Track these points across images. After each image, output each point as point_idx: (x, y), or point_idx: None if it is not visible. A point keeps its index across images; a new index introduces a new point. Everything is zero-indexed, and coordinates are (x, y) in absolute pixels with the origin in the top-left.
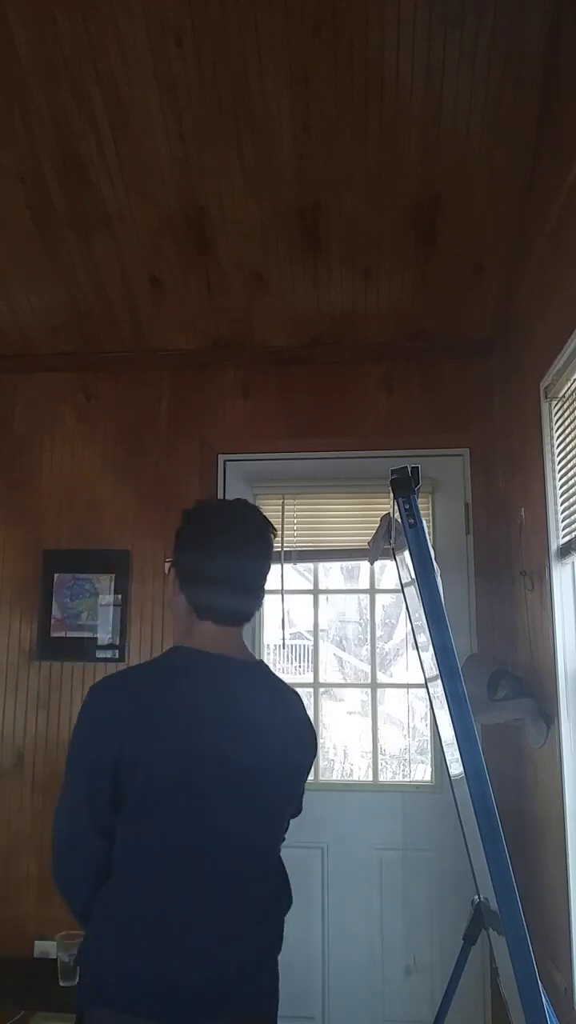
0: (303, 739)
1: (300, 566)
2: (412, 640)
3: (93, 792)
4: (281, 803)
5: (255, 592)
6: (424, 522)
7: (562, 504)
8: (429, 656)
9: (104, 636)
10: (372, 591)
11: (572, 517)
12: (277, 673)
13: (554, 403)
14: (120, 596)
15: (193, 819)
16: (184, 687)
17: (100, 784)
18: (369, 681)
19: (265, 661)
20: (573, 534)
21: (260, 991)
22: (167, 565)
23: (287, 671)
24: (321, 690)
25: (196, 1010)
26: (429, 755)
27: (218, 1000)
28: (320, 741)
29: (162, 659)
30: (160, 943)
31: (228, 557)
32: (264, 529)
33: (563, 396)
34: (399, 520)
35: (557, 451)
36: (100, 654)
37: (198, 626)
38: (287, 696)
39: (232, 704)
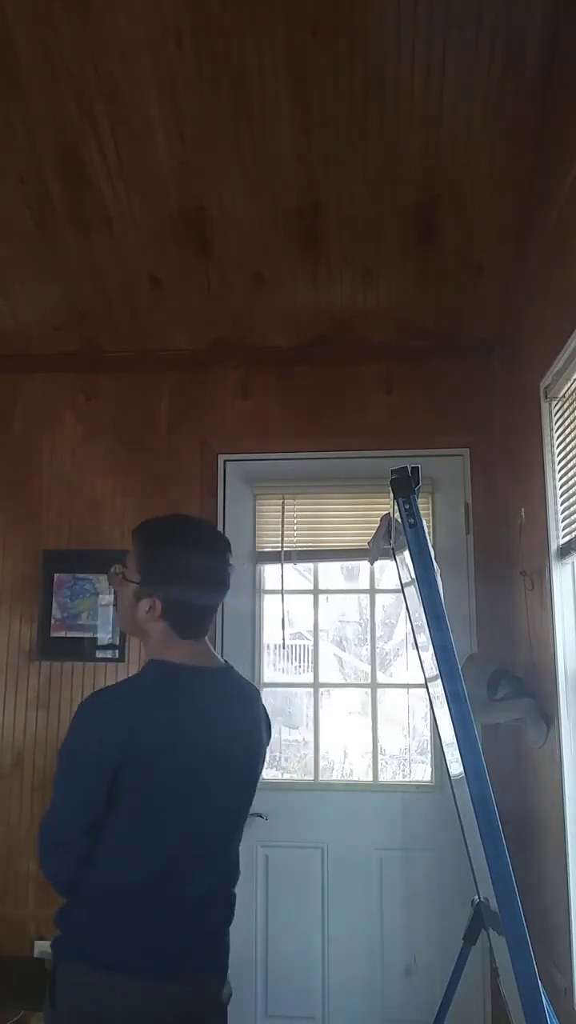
0: (264, 733)
1: (300, 566)
2: (412, 640)
3: (93, 792)
4: (250, 795)
5: None
6: (424, 522)
7: (562, 504)
8: (429, 656)
9: (104, 636)
10: (372, 591)
11: (572, 517)
12: (269, 672)
13: (554, 403)
14: None
15: (186, 817)
16: (176, 697)
17: (100, 786)
18: (369, 681)
19: (230, 663)
20: (573, 534)
21: (219, 963)
22: (125, 579)
23: (287, 671)
24: (321, 690)
25: (173, 967)
26: (429, 755)
27: (190, 961)
28: (319, 741)
29: (147, 673)
30: (147, 917)
31: (216, 584)
32: (228, 545)
33: (563, 396)
34: (399, 520)
35: (557, 451)
36: (100, 654)
37: (177, 644)
38: (253, 697)
39: (216, 711)
